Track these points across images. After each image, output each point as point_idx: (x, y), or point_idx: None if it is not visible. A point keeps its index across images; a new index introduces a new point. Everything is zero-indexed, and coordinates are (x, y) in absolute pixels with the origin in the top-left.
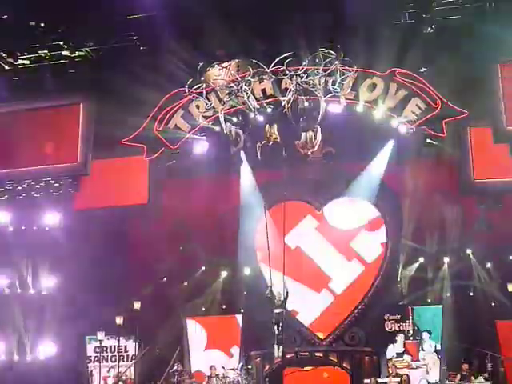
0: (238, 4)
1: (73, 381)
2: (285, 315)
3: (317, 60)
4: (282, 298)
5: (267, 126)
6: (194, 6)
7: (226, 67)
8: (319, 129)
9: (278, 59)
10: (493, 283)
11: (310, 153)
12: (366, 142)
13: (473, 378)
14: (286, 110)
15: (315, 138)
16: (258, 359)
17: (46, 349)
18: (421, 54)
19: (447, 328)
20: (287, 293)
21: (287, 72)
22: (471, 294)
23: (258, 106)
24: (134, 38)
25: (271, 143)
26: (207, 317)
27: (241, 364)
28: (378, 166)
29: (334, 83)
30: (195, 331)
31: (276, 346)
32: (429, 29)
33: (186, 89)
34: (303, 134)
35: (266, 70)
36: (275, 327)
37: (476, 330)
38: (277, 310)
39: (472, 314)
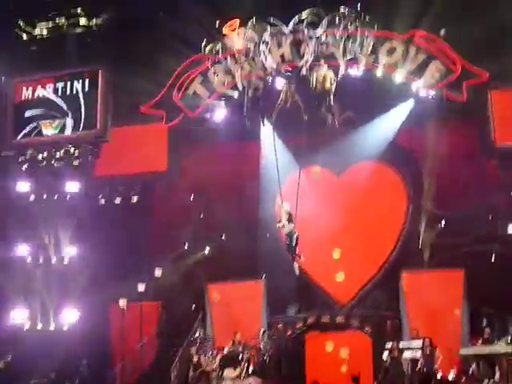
0: None
1: (94, 348)
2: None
3: (336, 21)
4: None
5: (285, 86)
6: None
7: (244, 31)
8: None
9: (295, 18)
10: None
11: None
12: (387, 106)
13: (495, 341)
14: (303, 72)
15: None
16: (280, 324)
17: (69, 316)
18: (440, 15)
19: (470, 293)
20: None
21: (305, 34)
22: (494, 258)
23: (275, 67)
24: (152, 5)
25: (289, 104)
26: (229, 283)
27: (263, 329)
28: (391, 123)
29: (353, 44)
30: (216, 297)
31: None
32: None
33: (204, 55)
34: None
35: (285, 30)
36: (288, 241)
37: (499, 295)
38: (286, 229)
39: (495, 279)
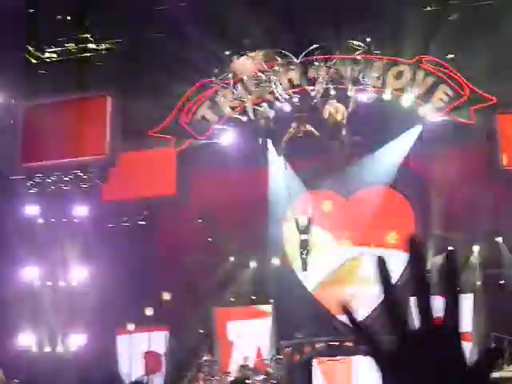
0: None
1: (103, 372)
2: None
3: (345, 51)
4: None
5: (297, 119)
6: None
7: (253, 57)
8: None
9: (307, 50)
10: None
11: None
12: (394, 130)
13: (505, 366)
14: (315, 101)
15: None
16: (289, 349)
17: (77, 340)
18: (448, 40)
19: (478, 317)
20: (310, 219)
21: (316, 63)
22: (501, 281)
23: (286, 96)
24: (160, 29)
25: (300, 134)
26: (236, 307)
27: (271, 354)
28: (399, 148)
29: (362, 75)
30: (224, 322)
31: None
32: (455, 15)
33: (212, 79)
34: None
35: (295, 60)
36: (301, 252)
37: (507, 319)
38: (302, 237)
39: (503, 303)
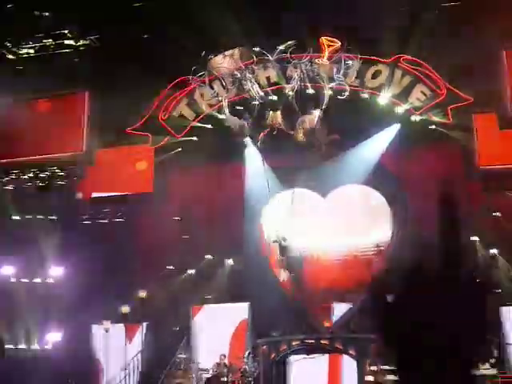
0: None
1: (79, 369)
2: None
3: (321, 48)
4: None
5: (271, 112)
6: None
7: (230, 55)
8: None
9: (281, 47)
10: (499, 269)
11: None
12: (372, 129)
13: (479, 364)
14: (290, 97)
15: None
16: (265, 347)
17: (53, 337)
18: (425, 40)
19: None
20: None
21: (291, 60)
22: (477, 280)
23: (262, 94)
24: (139, 26)
25: (275, 131)
26: (213, 305)
27: (248, 352)
28: (376, 147)
29: (338, 71)
30: (201, 320)
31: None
32: (433, 15)
33: (190, 77)
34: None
35: (270, 58)
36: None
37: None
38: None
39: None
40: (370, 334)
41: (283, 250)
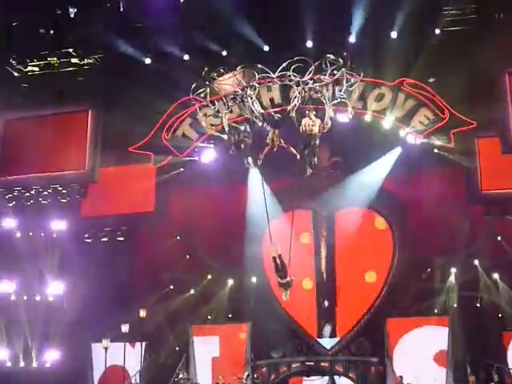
0: (244, 11)
1: None
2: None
3: (323, 66)
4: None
5: (271, 131)
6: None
7: (232, 74)
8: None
9: (283, 65)
10: (500, 294)
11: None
12: (374, 152)
13: None
14: (291, 115)
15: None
16: (264, 369)
17: (52, 355)
18: (429, 64)
19: (454, 339)
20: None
21: (293, 78)
22: (478, 304)
23: (263, 111)
24: (143, 46)
25: (275, 149)
26: (213, 326)
27: (247, 373)
28: (379, 171)
29: (340, 90)
30: (201, 340)
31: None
32: (436, 39)
33: (191, 96)
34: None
35: (272, 75)
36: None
37: (483, 341)
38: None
39: (479, 325)
40: (370, 357)
41: (282, 270)
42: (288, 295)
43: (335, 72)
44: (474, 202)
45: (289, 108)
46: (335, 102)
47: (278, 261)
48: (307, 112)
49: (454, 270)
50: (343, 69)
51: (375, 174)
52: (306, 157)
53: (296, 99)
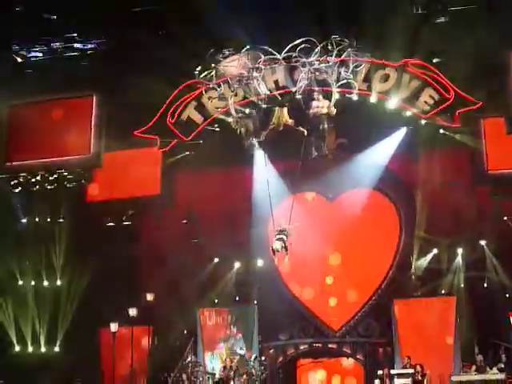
0: None
1: (87, 371)
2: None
3: (329, 47)
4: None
5: (277, 108)
6: None
7: (239, 57)
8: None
9: (290, 46)
10: (507, 274)
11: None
12: (379, 133)
13: (488, 368)
14: (296, 97)
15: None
16: (272, 351)
17: (60, 340)
18: (433, 44)
19: (462, 319)
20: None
21: (299, 59)
22: (485, 285)
23: (268, 93)
24: (147, 29)
25: (281, 128)
26: (221, 309)
27: (254, 355)
28: (385, 151)
29: (346, 71)
30: (209, 323)
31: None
32: (441, 19)
33: (198, 80)
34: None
35: (278, 56)
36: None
37: (490, 322)
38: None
39: (486, 306)
40: (377, 339)
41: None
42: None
43: (341, 52)
44: (480, 183)
45: (295, 89)
46: (341, 82)
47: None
48: (315, 94)
49: (460, 251)
50: (349, 49)
51: (379, 153)
52: (314, 140)
53: (302, 81)
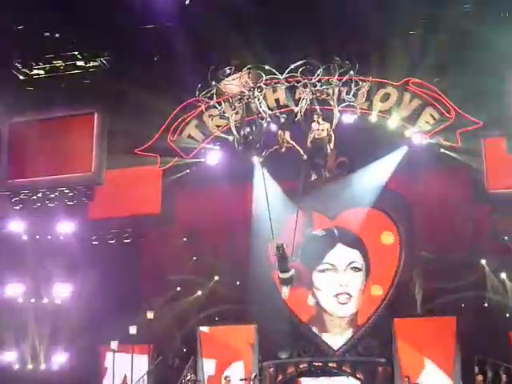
0: (251, 14)
1: None
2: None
3: (331, 69)
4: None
5: (280, 131)
6: (207, 17)
7: (239, 76)
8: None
9: (291, 67)
10: (507, 294)
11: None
12: (380, 152)
13: None
14: (298, 118)
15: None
16: (271, 369)
17: (60, 358)
18: (434, 64)
19: (462, 339)
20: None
21: (301, 80)
22: (485, 304)
23: (269, 112)
24: (149, 47)
25: (283, 149)
26: (220, 327)
27: (254, 374)
28: (384, 170)
29: (348, 93)
30: (208, 341)
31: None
32: (442, 39)
33: (199, 98)
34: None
35: (280, 77)
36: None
37: (490, 341)
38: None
39: (486, 325)
40: (377, 358)
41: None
42: (287, 293)
43: (343, 74)
44: (480, 202)
45: (296, 110)
46: (343, 105)
47: (280, 251)
48: (315, 116)
49: (461, 270)
50: (351, 72)
51: (380, 172)
52: (315, 162)
53: (304, 101)
